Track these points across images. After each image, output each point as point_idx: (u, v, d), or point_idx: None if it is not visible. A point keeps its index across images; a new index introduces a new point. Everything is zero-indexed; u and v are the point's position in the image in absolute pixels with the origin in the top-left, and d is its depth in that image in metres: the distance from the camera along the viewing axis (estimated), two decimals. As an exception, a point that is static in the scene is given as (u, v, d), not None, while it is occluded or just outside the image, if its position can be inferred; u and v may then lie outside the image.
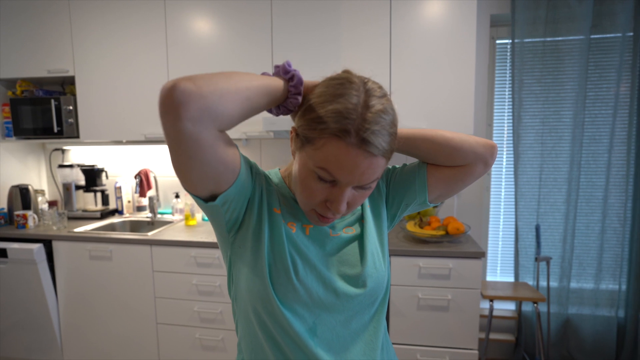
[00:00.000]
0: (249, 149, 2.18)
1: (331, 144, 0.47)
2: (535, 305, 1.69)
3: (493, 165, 2.02)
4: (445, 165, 0.63)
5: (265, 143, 2.17)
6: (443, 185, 0.64)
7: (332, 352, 0.56)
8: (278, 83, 0.51)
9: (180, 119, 0.41)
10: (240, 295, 0.59)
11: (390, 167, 0.71)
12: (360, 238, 0.62)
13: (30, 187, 2.07)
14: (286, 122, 1.69)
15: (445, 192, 0.65)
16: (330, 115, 0.47)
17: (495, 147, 0.63)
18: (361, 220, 0.64)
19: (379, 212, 0.66)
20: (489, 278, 2.08)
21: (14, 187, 2.03)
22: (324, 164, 0.49)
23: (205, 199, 0.53)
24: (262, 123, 1.78)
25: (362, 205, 0.65)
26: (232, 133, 1.87)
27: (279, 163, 2.14)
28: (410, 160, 0.79)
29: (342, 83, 0.50)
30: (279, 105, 0.54)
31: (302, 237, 0.59)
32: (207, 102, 0.42)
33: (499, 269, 2.07)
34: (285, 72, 0.53)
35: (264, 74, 0.54)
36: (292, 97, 0.53)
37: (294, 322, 0.54)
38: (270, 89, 0.49)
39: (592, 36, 1.80)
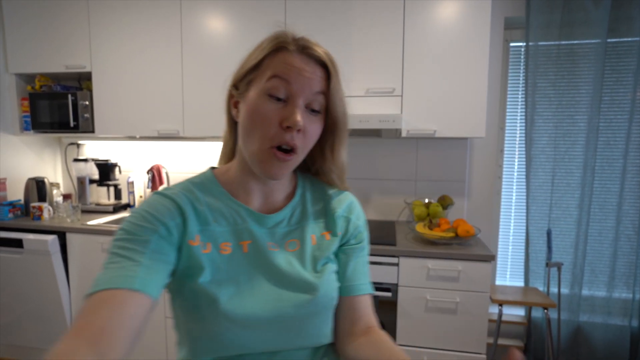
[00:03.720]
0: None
1: (275, 57, 0.53)
2: (545, 311, 1.67)
3: (504, 169, 2.01)
4: None
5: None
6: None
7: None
8: None
9: None
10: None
11: (356, 242, 0.63)
12: (302, 248, 0.58)
13: (46, 180, 2.12)
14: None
15: None
16: (265, 44, 0.54)
17: None
18: (303, 233, 0.60)
19: (326, 241, 0.61)
20: (498, 282, 2.06)
21: (30, 180, 2.08)
22: (274, 71, 0.51)
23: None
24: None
25: (305, 228, 0.60)
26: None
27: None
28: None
29: None
30: None
31: (238, 258, 0.54)
32: None
33: (508, 274, 2.05)
34: None
35: None
36: None
37: (232, 345, 0.51)
38: None
39: (609, 40, 1.77)
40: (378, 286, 1.58)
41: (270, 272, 0.54)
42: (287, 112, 0.51)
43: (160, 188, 0.57)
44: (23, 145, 2.20)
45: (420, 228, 1.69)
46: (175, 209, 0.53)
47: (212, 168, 0.62)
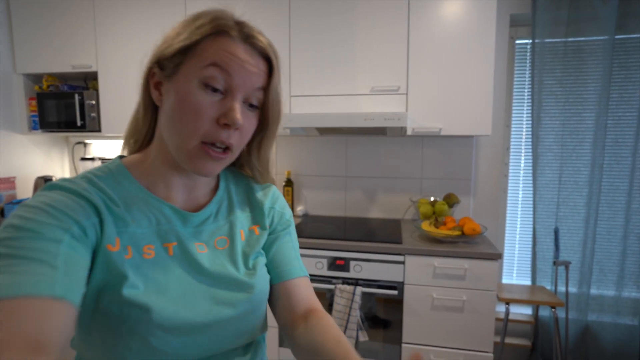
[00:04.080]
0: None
1: (215, 41, 0.46)
2: (553, 310, 1.65)
3: (510, 167, 1.99)
4: None
5: (281, 140, 2.18)
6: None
7: None
8: None
9: None
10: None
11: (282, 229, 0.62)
12: (232, 245, 0.55)
13: (54, 179, 2.14)
14: (305, 118, 1.70)
15: None
16: (202, 23, 0.46)
17: None
18: (232, 230, 0.56)
19: (254, 235, 0.59)
20: (504, 281, 2.04)
21: (39, 178, 2.10)
22: (214, 59, 0.45)
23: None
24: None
25: (233, 223, 0.57)
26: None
27: (294, 161, 2.15)
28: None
29: None
30: None
31: (164, 262, 0.48)
32: None
33: (515, 273, 2.03)
34: None
35: None
36: None
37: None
38: None
39: (617, 37, 1.75)
40: (384, 284, 1.58)
41: (200, 275, 0.50)
42: (224, 108, 0.46)
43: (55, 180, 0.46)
44: (31, 144, 2.22)
45: (426, 226, 1.68)
46: (89, 207, 0.44)
47: (121, 157, 0.54)
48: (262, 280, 0.54)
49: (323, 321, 0.53)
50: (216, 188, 0.58)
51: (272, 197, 0.62)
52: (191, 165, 0.48)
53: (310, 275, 1.64)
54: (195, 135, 0.46)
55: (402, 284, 1.57)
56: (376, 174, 2.07)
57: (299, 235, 1.68)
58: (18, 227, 0.38)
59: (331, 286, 1.60)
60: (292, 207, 2.10)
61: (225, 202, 0.57)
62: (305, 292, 0.58)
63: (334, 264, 1.61)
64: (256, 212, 0.59)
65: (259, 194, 0.60)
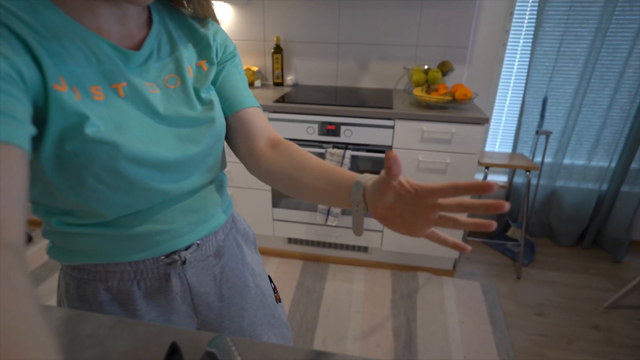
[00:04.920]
0: (250, 6, 1.97)
1: None
2: (527, 173, 1.77)
3: (511, 34, 1.87)
4: None
5: (269, 4, 1.96)
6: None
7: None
8: None
9: None
10: None
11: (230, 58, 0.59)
12: (183, 83, 0.51)
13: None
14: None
15: None
16: None
17: None
18: (180, 66, 0.52)
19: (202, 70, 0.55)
20: (487, 149, 2.14)
21: None
22: None
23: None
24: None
25: (179, 59, 0.52)
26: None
27: (283, 27, 1.97)
28: None
29: None
30: None
31: (117, 104, 0.43)
32: None
33: (498, 142, 2.11)
34: None
35: None
36: None
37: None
38: None
39: None
40: (373, 148, 1.63)
41: (157, 117, 0.47)
42: None
43: None
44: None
45: (418, 92, 1.66)
46: (13, 38, 0.35)
47: None
48: (220, 113, 0.54)
49: (294, 147, 0.56)
50: (149, 21, 0.51)
51: (213, 30, 0.57)
52: None
53: (301, 140, 1.67)
54: None
55: (390, 148, 1.62)
56: (370, 40, 1.94)
57: (289, 102, 1.65)
58: None
59: (322, 150, 1.65)
60: (282, 76, 2.01)
61: (164, 38, 0.51)
62: (262, 122, 0.58)
63: (324, 129, 1.63)
64: (201, 47, 0.55)
65: (200, 27, 0.55)
